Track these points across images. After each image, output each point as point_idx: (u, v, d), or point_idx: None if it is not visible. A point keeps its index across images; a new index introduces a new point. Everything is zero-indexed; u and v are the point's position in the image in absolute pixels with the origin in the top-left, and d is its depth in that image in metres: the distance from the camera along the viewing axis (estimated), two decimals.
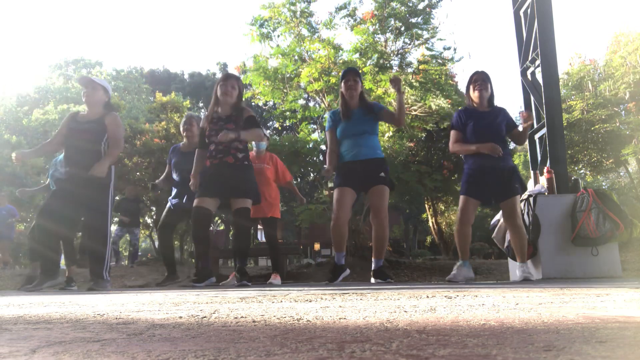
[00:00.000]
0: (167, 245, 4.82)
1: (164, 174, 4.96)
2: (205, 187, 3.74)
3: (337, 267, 3.72)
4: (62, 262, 4.99)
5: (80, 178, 3.69)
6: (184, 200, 4.54)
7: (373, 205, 3.66)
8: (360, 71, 7.99)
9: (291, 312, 1.31)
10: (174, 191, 4.74)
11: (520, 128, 3.89)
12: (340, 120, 3.80)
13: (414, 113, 8.29)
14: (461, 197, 3.78)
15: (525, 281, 3.54)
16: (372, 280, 3.72)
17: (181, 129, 4.83)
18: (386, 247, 3.72)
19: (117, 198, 10.72)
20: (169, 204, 4.74)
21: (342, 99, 3.81)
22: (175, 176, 4.70)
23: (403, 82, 7.89)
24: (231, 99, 3.77)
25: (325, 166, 3.83)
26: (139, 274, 7.40)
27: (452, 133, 3.86)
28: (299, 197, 5.38)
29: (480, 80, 3.77)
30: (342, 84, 3.80)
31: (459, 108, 4.01)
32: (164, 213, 4.82)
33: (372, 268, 3.72)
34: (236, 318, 1.20)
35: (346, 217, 3.67)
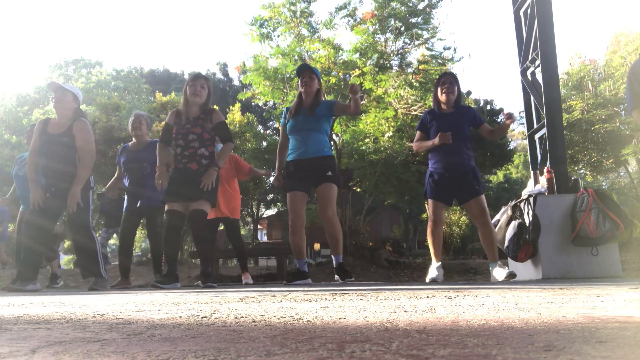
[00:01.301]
0: (125, 251, 4.72)
1: (114, 177, 4.87)
2: (170, 189, 3.71)
3: (300, 272, 3.71)
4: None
5: (61, 189, 3.67)
6: (137, 204, 4.52)
7: (320, 204, 3.68)
8: (360, 71, 8.04)
9: (291, 312, 1.31)
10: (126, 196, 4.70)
11: (499, 124, 3.96)
12: (287, 114, 3.81)
13: (414, 113, 8.29)
14: (429, 201, 3.89)
15: (511, 277, 3.56)
16: (336, 277, 3.72)
17: (129, 127, 4.75)
18: (341, 242, 3.72)
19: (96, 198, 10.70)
20: (125, 206, 4.68)
21: (298, 96, 3.81)
22: (125, 178, 4.64)
23: (403, 82, 7.90)
24: (200, 99, 3.74)
25: (273, 176, 3.86)
26: (138, 274, 7.41)
27: (417, 134, 4.02)
28: (262, 174, 5.43)
29: (447, 83, 3.87)
30: (299, 81, 3.81)
31: (426, 109, 4.13)
32: (122, 218, 4.72)
33: (334, 264, 3.73)
34: (236, 318, 1.20)
35: (302, 223, 3.66)
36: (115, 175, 4.85)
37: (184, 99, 3.81)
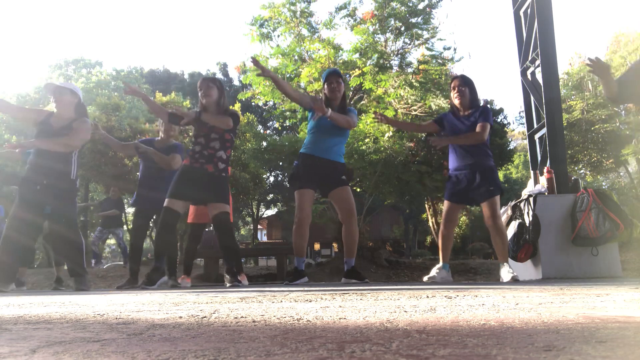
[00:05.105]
0: (136, 256, 4.75)
1: (127, 143, 4.86)
2: (178, 188, 3.67)
3: (298, 271, 3.71)
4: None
5: (50, 186, 3.69)
6: (145, 202, 4.55)
7: (342, 207, 3.71)
8: (360, 71, 8.04)
9: (291, 312, 1.31)
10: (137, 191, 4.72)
11: (477, 127, 3.79)
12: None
13: (414, 113, 8.29)
14: (445, 202, 3.94)
15: (514, 282, 3.55)
16: (343, 280, 3.72)
17: (159, 126, 4.79)
18: (356, 246, 3.76)
19: (103, 197, 10.71)
20: (132, 203, 4.72)
21: (325, 99, 3.81)
22: (140, 170, 4.67)
23: (403, 82, 7.90)
24: (211, 98, 3.75)
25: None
26: (138, 274, 7.39)
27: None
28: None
29: (457, 87, 3.90)
30: (326, 85, 3.82)
31: (448, 110, 4.17)
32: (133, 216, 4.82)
33: (346, 268, 3.73)
34: (236, 318, 1.20)
35: (308, 220, 3.68)
36: (131, 143, 4.85)
37: (200, 104, 3.84)
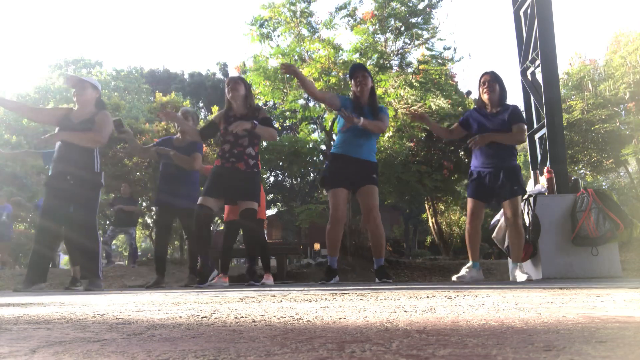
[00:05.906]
0: (161, 247, 4.79)
1: (147, 146, 4.88)
2: (211, 186, 3.73)
3: (332, 270, 3.72)
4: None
5: (71, 176, 3.70)
6: (166, 198, 4.59)
7: (365, 205, 3.68)
8: None
9: (291, 312, 1.31)
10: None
11: (514, 129, 3.73)
12: (348, 108, 3.69)
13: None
14: (468, 199, 3.88)
15: (528, 281, 3.55)
16: (377, 280, 3.71)
17: (175, 126, 4.85)
18: (384, 246, 3.74)
19: (111, 195, 10.65)
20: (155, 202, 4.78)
21: (354, 96, 3.79)
22: (160, 170, 4.71)
23: (403, 82, 7.91)
24: (239, 93, 3.78)
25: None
26: (139, 274, 7.40)
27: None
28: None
29: (487, 82, 3.81)
30: (353, 81, 3.79)
31: (473, 107, 4.09)
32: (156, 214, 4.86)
33: (375, 267, 3.73)
34: (236, 318, 1.20)
35: (343, 220, 3.67)
36: (148, 146, 4.85)
37: (226, 102, 3.87)
